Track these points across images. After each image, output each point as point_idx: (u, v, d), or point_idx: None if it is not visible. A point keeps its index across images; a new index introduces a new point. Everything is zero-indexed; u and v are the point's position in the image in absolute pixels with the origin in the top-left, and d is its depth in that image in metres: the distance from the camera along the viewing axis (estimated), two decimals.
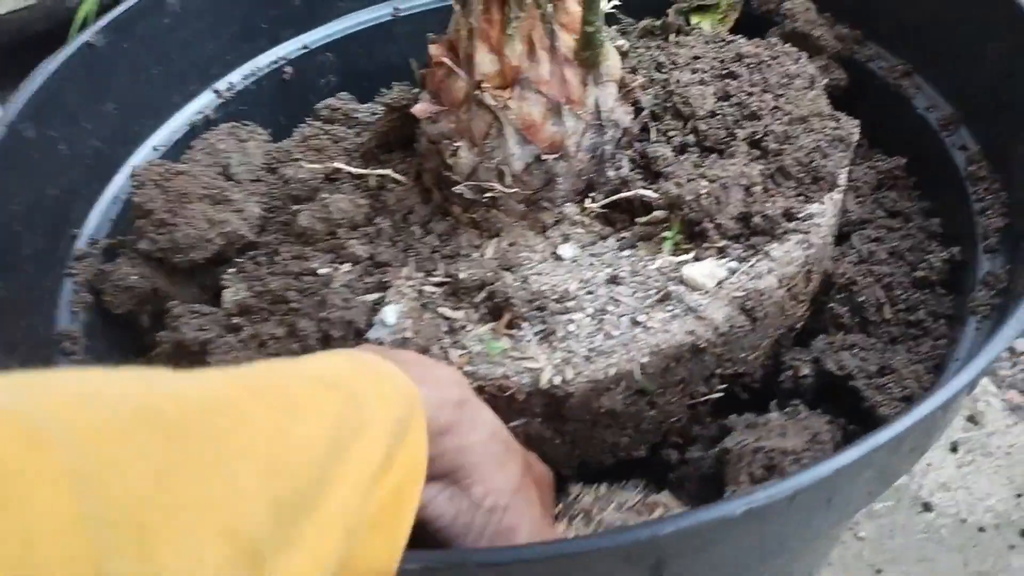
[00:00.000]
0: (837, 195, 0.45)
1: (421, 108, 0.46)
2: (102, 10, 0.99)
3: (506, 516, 0.34)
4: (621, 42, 0.48)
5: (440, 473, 0.33)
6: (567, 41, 0.44)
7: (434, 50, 0.45)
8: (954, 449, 0.71)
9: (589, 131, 0.45)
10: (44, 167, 0.50)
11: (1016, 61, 0.48)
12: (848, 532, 0.67)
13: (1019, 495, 0.68)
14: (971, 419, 0.73)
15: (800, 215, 0.43)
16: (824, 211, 0.44)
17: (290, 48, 0.64)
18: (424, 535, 0.33)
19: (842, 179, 0.45)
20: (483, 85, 0.43)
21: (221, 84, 0.61)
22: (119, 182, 0.54)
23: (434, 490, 0.34)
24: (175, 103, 0.59)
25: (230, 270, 0.50)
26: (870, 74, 0.56)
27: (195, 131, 0.59)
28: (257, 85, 0.63)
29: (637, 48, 0.52)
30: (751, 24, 0.59)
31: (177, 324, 0.45)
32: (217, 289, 0.49)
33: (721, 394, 0.44)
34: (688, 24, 0.60)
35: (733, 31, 0.57)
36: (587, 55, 0.44)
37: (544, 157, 0.44)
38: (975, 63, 0.52)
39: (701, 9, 0.61)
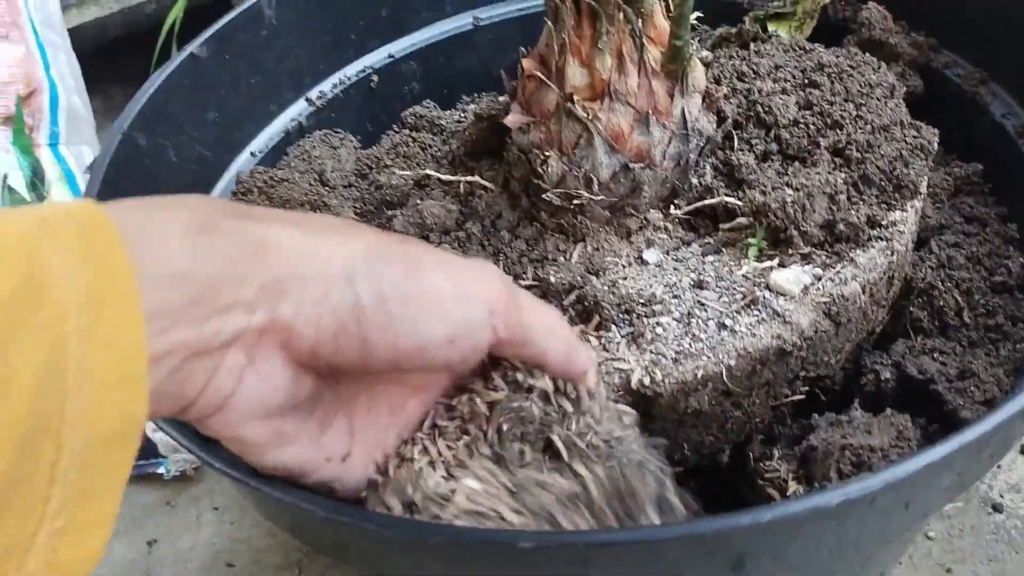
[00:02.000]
0: (918, 202, 0.46)
1: (513, 119, 0.48)
2: (187, 15, 1.03)
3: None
4: (705, 53, 0.49)
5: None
6: (655, 54, 0.46)
7: (526, 63, 0.47)
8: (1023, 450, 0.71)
9: (675, 140, 0.47)
10: (155, 173, 0.53)
11: None
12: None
13: None
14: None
15: (883, 222, 0.44)
16: (906, 218, 0.45)
17: (376, 57, 0.67)
18: None
19: (923, 187, 0.46)
20: (574, 97, 0.45)
21: (313, 93, 0.64)
22: (221, 186, 0.57)
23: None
24: (271, 111, 0.62)
25: None
26: (946, 81, 0.57)
27: (289, 137, 0.62)
28: (345, 93, 0.65)
29: (719, 58, 0.53)
30: (827, 32, 0.60)
31: None
32: None
33: (803, 396, 0.45)
34: (765, 32, 0.61)
35: (810, 39, 0.58)
36: (674, 67, 0.45)
37: (631, 166, 0.46)
38: None
39: (777, 17, 0.63)
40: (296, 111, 0.63)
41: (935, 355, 0.45)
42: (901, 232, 0.44)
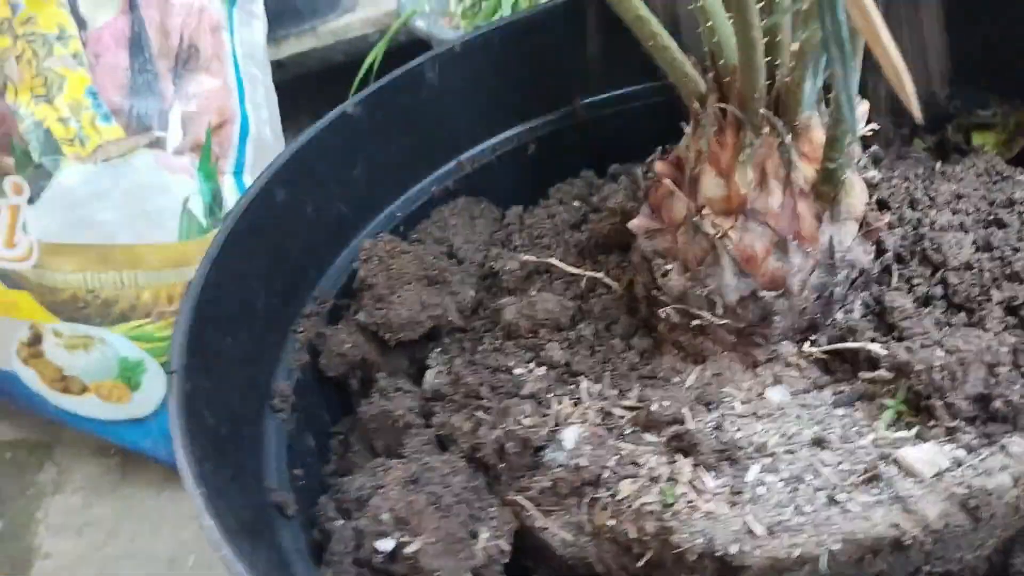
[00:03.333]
0: None
1: (638, 223, 0.44)
2: (389, 53, 1.06)
3: None
4: (872, 173, 0.43)
5: None
6: (806, 172, 0.40)
7: (659, 166, 0.43)
8: None
9: (818, 270, 0.41)
10: (289, 227, 0.53)
11: None
12: None
13: None
14: None
15: None
16: None
17: (536, 125, 0.64)
18: None
19: None
20: (704, 211, 0.41)
21: (465, 156, 0.63)
22: (357, 243, 0.57)
23: None
24: (419, 173, 0.61)
25: (436, 350, 0.51)
26: None
27: (433, 201, 0.61)
28: (499, 160, 0.64)
29: (892, 178, 0.47)
30: None
31: (386, 394, 0.47)
32: (422, 364, 0.51)
33: None
34: (968, 144, 0.54)
35: (1019, 160, 0.50)
36: (826, 189, 0.40)
37: (762, 293, 0.41)
38: None
39: (983, 127, 0.55)
40: (445, 172, 0.62)
41: None
42: None
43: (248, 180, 0.83)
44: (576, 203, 0.58)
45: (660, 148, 0.45)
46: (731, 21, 0.37)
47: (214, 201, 0.81)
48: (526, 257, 0.51)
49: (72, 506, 0.90)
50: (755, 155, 0.40)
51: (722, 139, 0.41)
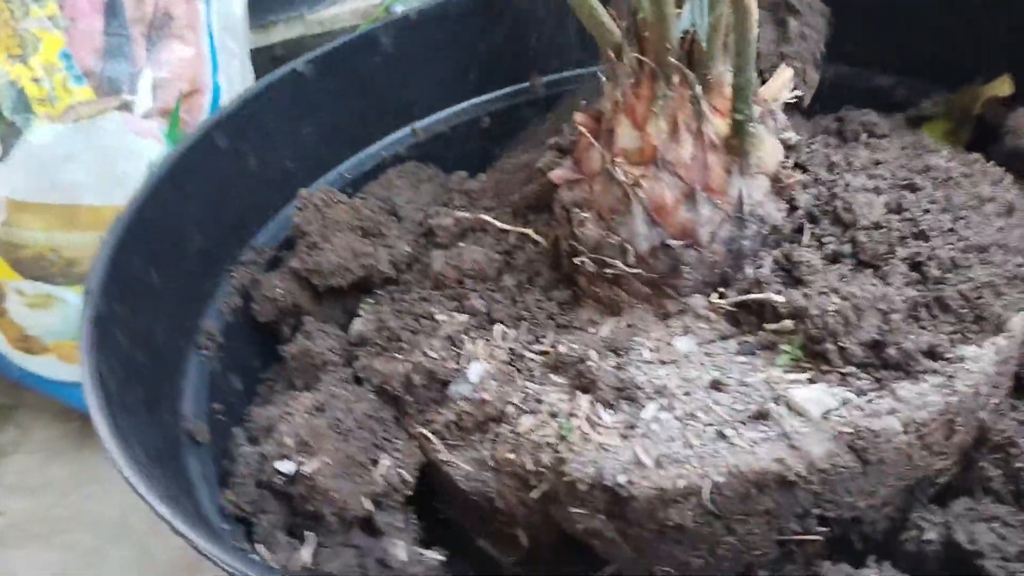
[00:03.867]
0: (1003, 341, 0.38)
1: (558, 174, 0.45)
2: None
3: None
4: (789, 135, 0.44)
5: None
6: (717, 126, 0.41)
7: (579, 118, 0.44)
8: None
9: (728, 223, 0.42)
10: (229, 176, 0.54)
11: None
12: None
13: None
14: None
15: (947, 355, 0.37)
16: (981, 356, 0.37)
17: (490, 99, 0.65)
18: None
19: (1014, 325, 0.38)
20: (617, 159, 0.41)
21: (418, 125, 0.64)
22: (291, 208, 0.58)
23: None
24: (371, 137, 0.62)
25: (368, 300, 0.52)
26: None
27: (384, 165, 0.62)
28: (453, 130, 0.65)
29: (813, 143, 0.47)
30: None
31: (310, 335, 0.47)
32: (353, 315, 0.51)
33: (821, 537, 0.39)
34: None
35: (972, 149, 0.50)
36: (736, 143, 0.41)
37: (671, 243, 0.42)
38: None
39: (930, 119, 0.55)
40: (397, 139, 0.63)
41: (995, 524, 0.37)
42: (969, 371, 0.37)
43: None
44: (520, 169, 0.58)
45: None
46: None
47: None
48: (459, 214, 0.52)
49: (29, 466, 0.90)
50: (667, 106, 0.41)
51: (637, 91, 0.41)
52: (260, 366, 0.53)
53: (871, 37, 0.57)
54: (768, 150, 0.42)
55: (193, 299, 0.51)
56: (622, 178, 0.41)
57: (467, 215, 0.52)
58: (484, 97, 0.65)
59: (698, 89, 0.40)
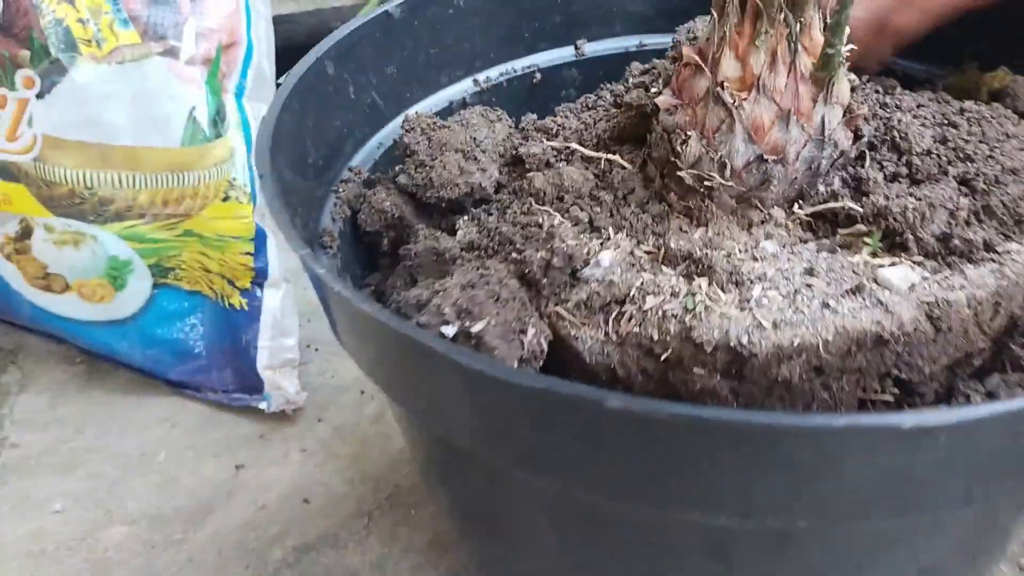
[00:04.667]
0: None
1: (664, 100, 0.52)
2: None
3: None
4: (853, 77, 0.53)
5: None
6: (806, 61, 0.49)
7: (686, 51, 0.51)
8: None
9: (810, 144, 0.50)
10: (335, 101, 0.59)
11: None
12: None
13: None
14: None
15: (999, 248, 0.46)
16: (1022, 251, 0.47)
17: (543, 58, 0.73)
18: None
19: None
20: (724, 84, 0.49)
21: (480, 76, 0.70)
22: (385, 132, 0.63)
23: None
24: (441, 82, 0.68)
25: (464, 217, 0.57)
26: None
27: (452, 108, 0.68)
28: (509, 83, 0.71)
29: (865, 87, 0.56)
30: None
31: (431, 236, 0.53)
32: (451, 231, 0.57)
33: (891, 399, 0.47)
34: None
35: None
36: (822, 75, 0.49)
37: (766, 158, 0.50)
38: None
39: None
40: (462, 88, 0.69)
41: None
42: (1015, 261, 0.46)
43: (247, 104, 0.88)
44: (585, 112, 0.65)
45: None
46: None
47: (218, 115, 0.85)
48: (550, 143, 0.58)
49: (38, 405, 0.91)
50: (767, 42, 0.49)
51: (741, 29, 0.49)
52: (360, 274, 0.58)
53: None
54: (844, 85, 0.50)
55: (313, 205, 0.56)
56: (728, 100, 0.49)
57: (555, 144, 0.58)
58: (536, 56, 0.72)
59: (796, 28, 0.48)
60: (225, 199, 0.84)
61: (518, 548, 0.52)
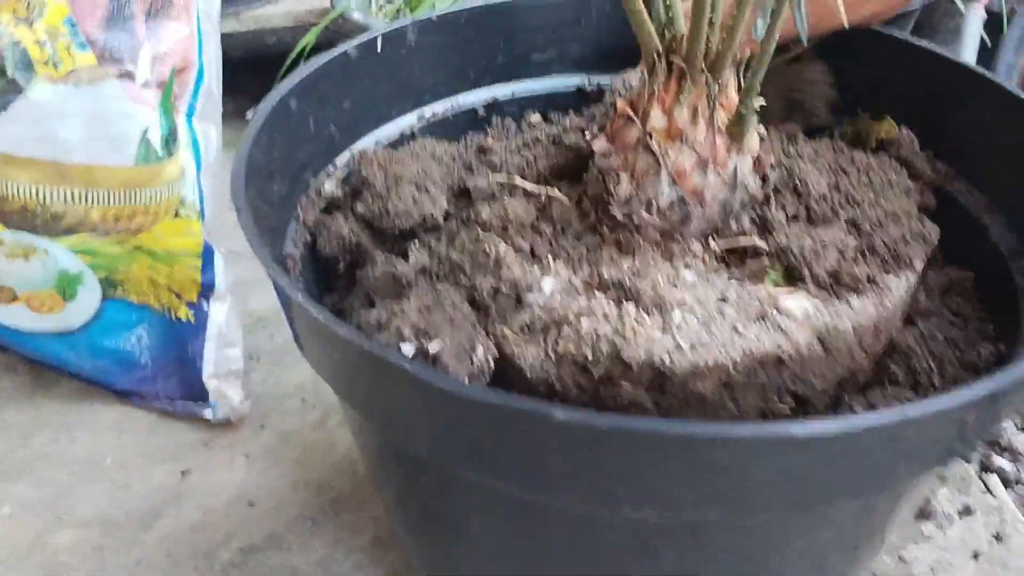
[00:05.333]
0: (912, 277, 0.56)
1: (600, 145, 0.59)
2: (317, 46, 1.17)
3: None
4: (762, 129, 0.60)
5: None
6: (723, 116, 0.57)
7: (619, 103, 0.58)
8: (975, 557, 0.79)
9: (724, 188, 0.57)
10: (297, 134, 0.64)
11: None
12: None
13: None
14: (996, 536, 0.81)
15: (879, 283, 0.54)
16: (899, 285, 0.55)
17: (485, 95, 0.79)
18: None
19: (918, 265, 0.56)
20: (652, 135, 0.56)
21: (428, 109, 0.76)
22: (344, 158, 0.69)
23: None
24: (392, 115, 0.74)
25: (415, 243, 0.63)
26: (956, 204, 0.67)
27: (403, 138, 0.73)
28: (455, 116, 0.77)
29: (771, 138, 0.64)
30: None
31: (388, 262, 0.58)
32: (403, 255, 0.63)
33: (788, 411, 0.54)
34: None
35: None
36: (736, 130, 0.57)
37: (686, 199, 0.57)
38: None
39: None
40: (410, 121, 0.75)
41: (903, 401, 0.54)
42: (892, 292, 0.54)
43: (197, 124, 0.92)
44: (525, 149, 0.72)
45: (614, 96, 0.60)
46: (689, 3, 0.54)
47: (170, 135, 0.89)
48: (496, 176, 0.65)
49: None
50: (690, 99, 0.56)
51: (667, 86, 0.56)
52: (317, 294, 0.63)
53: None
54: (754, 137, 0.58)
55: (277, 230, 0.61)
56: (656, 148, 0.56)
57: (500, 178, 0.65)
58: (478, 91, 0.79)
59: (715, 88, 0.55)
60: (175, 216, 0.88)
61: (463, 545, 0.58)
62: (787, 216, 0.59)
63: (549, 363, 0.54)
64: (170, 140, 0.88)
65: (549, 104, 0.80)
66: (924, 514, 0.83)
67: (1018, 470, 0.90)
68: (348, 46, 0.69)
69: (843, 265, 0.54)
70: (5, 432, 0.90)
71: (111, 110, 0.87)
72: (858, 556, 0.57)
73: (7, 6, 0.85)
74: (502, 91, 0.79)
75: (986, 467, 0.90)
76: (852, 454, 0.43)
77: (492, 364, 0.53)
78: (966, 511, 0.83)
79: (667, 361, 0.51)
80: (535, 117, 0.78)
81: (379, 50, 0.71)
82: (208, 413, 0.90)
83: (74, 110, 0.86)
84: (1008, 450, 0.91)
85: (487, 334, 0.54)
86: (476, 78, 0.78)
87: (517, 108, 0.80)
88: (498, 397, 0.41)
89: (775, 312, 0.52)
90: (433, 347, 0.50)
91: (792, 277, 0.54)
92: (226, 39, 1.31)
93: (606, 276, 0.56)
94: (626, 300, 0.54)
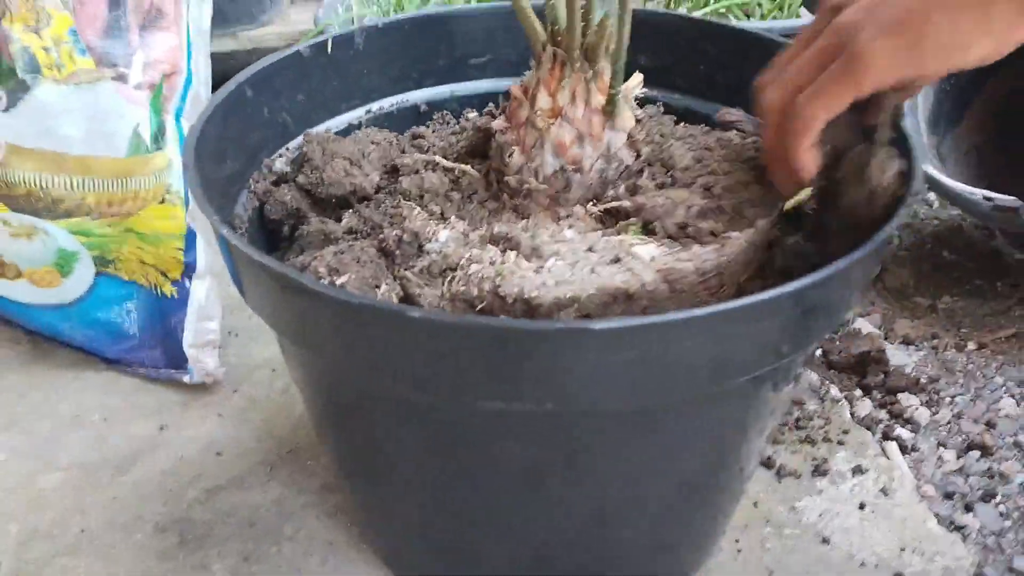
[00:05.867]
0: (752, 232, 0.66)
1: (498, 123, 0.70)
2: None
3: None
4: (640, 112, 0.71)
5: None
6: (598, 99, 0.68)
7: (513, 89, 0.69)
8: (861, 507, 0.88)
9: (600, 159, 0.68)
10: (252, 119, 0.76)
11: None
12: (757, 541, 0.84)
13: (902, 549, 0.84)
14: (883, 491, 0.89)
15: (719, 235, 0.64)
16: (740, 237, 0.65)
17: (428, 94, 0.90)
18: None
19: (760, 224, 0.66)
20: (538, 113, 0.67)
21: (375, 105, 0.87)
22: (293, 144, 0.80)
23: None
24: (342, 109, 0.85)
25: (349, 211, 0.74)
26: None
27: (351, 128, 0.85)
28: (399, 111, 0.89)
29: (650, 120, 0.75)
30: None
31: (321, 223, 0.69)
32: (339, 219, 0.74)
33: None
34: None
35: None
36: (609, 108, 0.67)
37: (567, 168, 0.67)
38: None
39: None
40: (358, 114, 0.86)
41: None
42: (733, 243, 0.64)
43: (185, 123, 1.04)
44: (452, 136, 0.83)
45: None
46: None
47: (159, 131, 1.02)
48: (421, 155, 0.76)
49: None
50: (570, 84, 0.67)
51: (552, 73, 0.67)
52: (266, 250, 0.74)
53: (689, 72, 0.86)
54: (627, 117, 0.69)
55: (228, 198, 0.72)
56: (540, 124, 0.67)
57: (424, 157, 0.76)
58: (422, 91, 0.90)
59: (590, 74, 0.66)
60: (162, 202, 1.00)
61: (374, 456, 0.68)
62: (656, 184, 0.69)
63: (444, 301, 0.64)
64: (159, 135, 1.01)
65: (485, 103, 0.91)
66: (820, 472, 0.91)
67: (916, 440, 0.98)
68: (301, 46, 0.81)
69: (689, 220, 0.64)
70: (5, 393, 1.01)
71: (106, 108, 0.99)
72: (719, 460, 0.67)
73: (19, 17, 0.98)
74: (442, 91, 0.91)
75: (887, 436, 0.98)
76: (649, 355, 0.52)
77: (395, 300, 0.64)
78: (859, 470, 0.92)
79: (535, 294, 0.61)
80: (472, 114, 0.89)
81: (329, 51, 0.83)
82: (186, 378, 1.01)
83: (74, 108, 0.99)
84: (909, 422, 1.00)
85: (393, 278, 0.65)
86: (419, 79, 0.90)
87: (457, 106, 0.91)
88: (367, 300, 0.51)
89: (628, 256, 0.63)
90: (340, 280, 0.61)
91: (650, 231, 0.65)
92: (226, 57, 1.45)
93: (496, 231, 0.66)
94: (511, 250, 0.65)
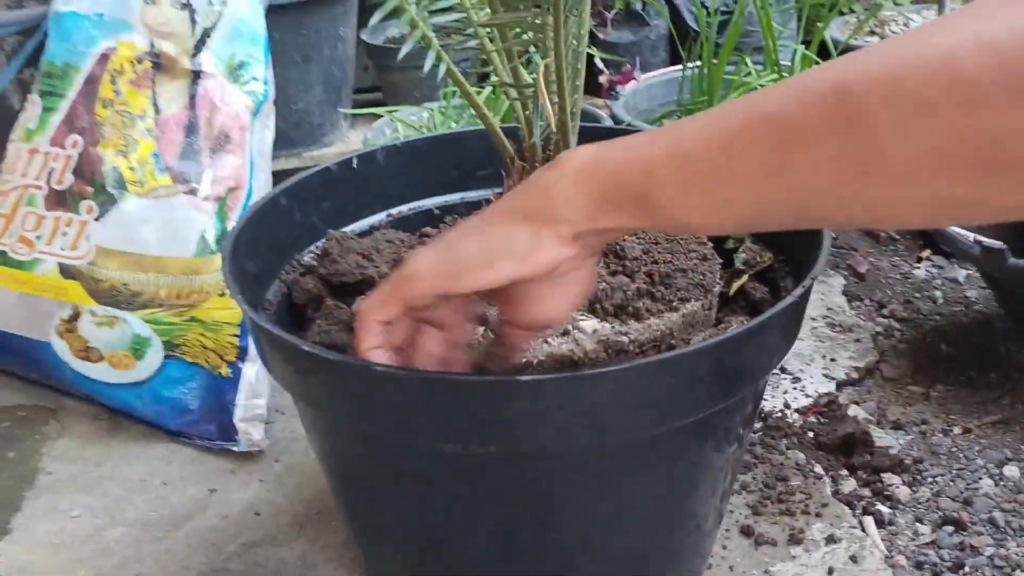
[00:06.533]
0: (692, 308, 0.77)
1: None
2: None
3: None
4: None
5: None
6: None
7: (492, 197, 0.84)
8: (830, 572, 0.95)
9: None
10: (285, 221, 0.92)
11: None
12: None
13: None
14: (852, 558, 0.97)
15: (655, 313, 0.76)
16: (673, 317, 0.76)
17: (440, 200, 1.05)
18: None
19: (695, 303, 0.78)
20: None
21: (393, 210, 1.03)
22: (320, 243, 0.96)
23: None
24: (363, 214, 1.01)
25: (360, 296, 0.89)
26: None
27: (372, 229, 1.00)
28: (416, 215, 1.04)
29: None
30: None
31: (337, 306, 0.84)
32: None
33: None
34: None
35: None
36: None
37: None
38: None
39: None
40: (378, 218, 1.02)
41: None
42: (669, 322, 0.76)
43: None
44: None
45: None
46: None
47: (222, 235, 1.19)
48: None
49: (70, 446, 1.21)
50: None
51: (520, 179, 0.82)
52: (291, 330, 0.89)
53: None
54: None
55: (261, 285, 0.87)
56: None
57: None
58: (434, 199, 1.06)
59: None
60: (222, 294, 1.17)
61: (366, 495, 0.81)
62: (609, 271, 0.82)
63: None
64: (221, 239, 1.18)
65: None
66: (795, 540, 0.99)
67: (894, 515, 1.05)
68: (331, 164, 0.97)
69: (629, 301, 0.76)
70: (84, 461, 1.17)
71: (179, 217, 1.18)
72: (673, 511, 0.77)
73: (111, 143, 1.19)
74: (453, 197, 1.06)
75: (867, 511, 1.05)
76: (573, 401, 0.64)
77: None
78: (832, 539, 0.99)
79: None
80: None
81: (355, 166, 0.99)
82: (235, 447, 1.16)
83: (152, 217, 1.18)
84: (890, 499, 1.07)
85: None
86: (432, 188, 1.05)
87: (466, 209, 1.06)
88: (342, 358, 0.65)
89: (575, 330, 0.75)
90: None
91: (592, 309, 0.77)
92: (292, 173, 1.64)
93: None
94: (480, 325, 0.78)
